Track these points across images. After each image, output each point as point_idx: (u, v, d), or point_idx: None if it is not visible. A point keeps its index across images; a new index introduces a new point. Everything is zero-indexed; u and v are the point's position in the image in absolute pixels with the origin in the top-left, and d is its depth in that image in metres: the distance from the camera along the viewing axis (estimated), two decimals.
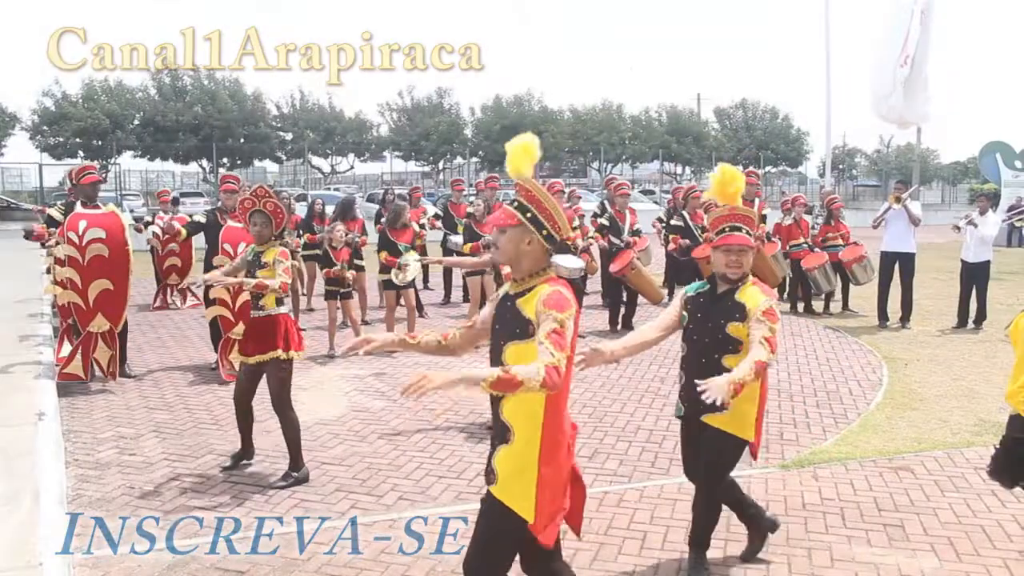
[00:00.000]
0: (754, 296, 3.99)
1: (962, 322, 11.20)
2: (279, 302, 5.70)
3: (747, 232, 4.09)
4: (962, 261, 11.35)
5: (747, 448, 4.23)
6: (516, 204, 3.20)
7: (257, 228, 5.72)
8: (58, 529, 4.57)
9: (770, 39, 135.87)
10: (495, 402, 3.17)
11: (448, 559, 4.48)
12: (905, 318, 11.30)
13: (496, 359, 3.17)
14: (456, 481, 5.64)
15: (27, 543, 4.33)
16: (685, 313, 4.17)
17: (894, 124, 13.55)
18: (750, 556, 4.46)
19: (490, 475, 3.20)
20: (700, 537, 4.33)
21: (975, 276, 11.17)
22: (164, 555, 4.52)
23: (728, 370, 3.79)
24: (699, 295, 4.17)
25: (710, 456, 4.17)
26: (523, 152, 3.18)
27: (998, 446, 3.73)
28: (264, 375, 5.69)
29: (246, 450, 5.99)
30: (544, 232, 3.15)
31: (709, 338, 4.05)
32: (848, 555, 4.52)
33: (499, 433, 3.18)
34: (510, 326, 3.15)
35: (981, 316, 11.21)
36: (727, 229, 4.10)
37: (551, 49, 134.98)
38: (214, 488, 5.51)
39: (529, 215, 3.15)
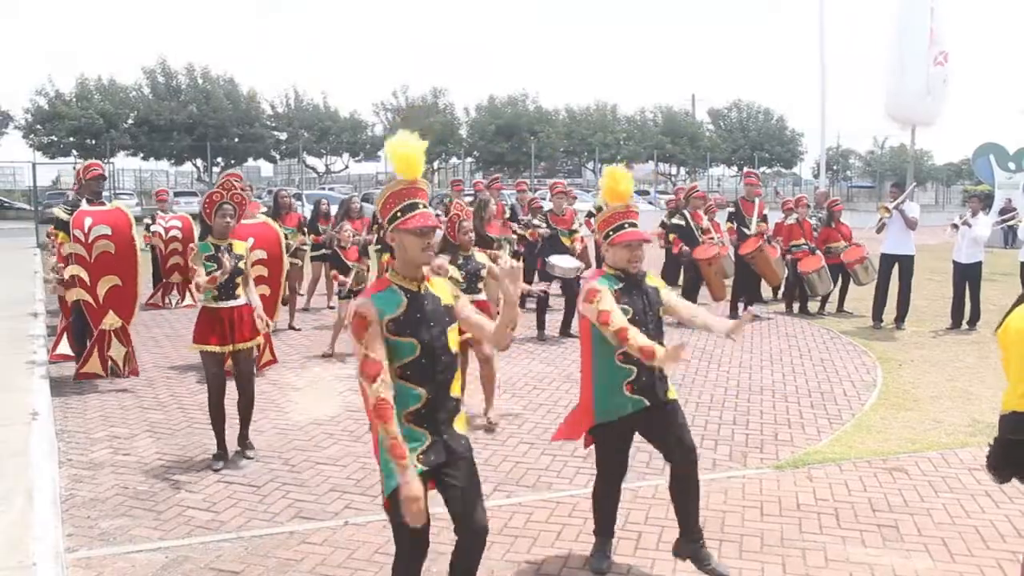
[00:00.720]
0: (655, 277, 4.42)
1: (956, 323, 11.23)
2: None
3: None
4: (954, 263, 11.38)
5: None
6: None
7: (227, 220, 5.88)
8: (51, 529, 4.55)
9: (765, 40, 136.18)
10: (445, 386, 3.44)
11: (442, 560, 4.47)
12: (900, 319, 11.32)
13: (441, 347, 3.39)
14: None
15: (20, 543, 4.32)
16: (621, 305, 4.16)
17: (914, 124, 13.38)
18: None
19: (466, 442, 3.53)
20: (696, 524, 4.32)
21: (968, 277, 11.19)
22: (158, 555, 4.51)
23: None
24: (623, 287, 4.22)
25: (681, 422, 4.29)
26: (413, 155, 3.33)
27: (993, 443, 3.74)
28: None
29: (225, 448, 6.10)
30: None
31: (654, 325, 4.23)
32: (842, 555, 4.52)
33: (456, 410, 3.52)
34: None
35: (975, 317, 11.23)
36: (626, 225, 4.24)
37: (545, 49, 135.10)
38: (208, 488, 5.49)
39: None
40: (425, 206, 3.35)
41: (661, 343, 4.10)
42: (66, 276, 7.91)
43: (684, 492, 4.29)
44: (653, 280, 4.38)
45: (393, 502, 3.26)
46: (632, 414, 4.20)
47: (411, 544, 3.41)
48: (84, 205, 7.90)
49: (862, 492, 5.42)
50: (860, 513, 5.10)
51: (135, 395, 7.79)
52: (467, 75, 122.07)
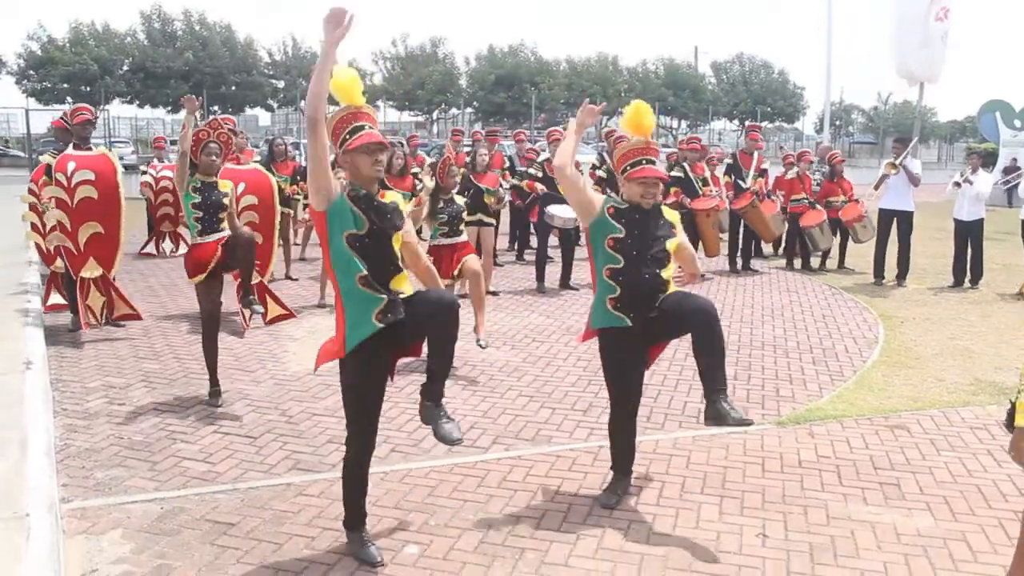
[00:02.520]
0: (671, 213, 4.48)
1: (958, 281, 11.16)
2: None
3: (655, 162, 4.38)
4: (955, 220, 11.29)
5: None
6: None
7: (211, 158, 6.05)
8: (46, 479, 4.51)
9: None
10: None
11: (440, 512, 4.44)
12: (901, 276, 11.25)
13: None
14: None
15: (14, 493, 4.27)
16: (613, 222, 4.31)
17: (921, 81, 13.13)
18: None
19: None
20: (719, 378, 4.22)
21: (969, 234, 11.11)
22: (153, 506, 4.47)
23: (665, 281, 4.29)
24: (627, 209, 4.34)
25: (685, 297, 4.27)
26: (350, 84, 3.66)
27: (1014, 400, 3.66)
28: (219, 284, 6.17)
29: (217, 384, 6.23)
30: None
31: (647, 251, 4.28)
32: (844, 513, 4.49)
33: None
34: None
35: (977, 275, 11.16)
36: (643, 162, 4.31)
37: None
38: (204, 439, 5.44)
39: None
40: (371, 127, 3.65)
41: (661, 274, 4.27)
42: (48, 222, 7.77)
43: (703, 347, 4.21)
44: (669, 214, 4.44)
45: (350, 363, 3.79)
46: (618, 330, 4.34)
47: (365, 417, 3.94)
48: (70, 149, 7.74)
49: (864, 449, 5.38)
50: (862, 470, 5.06)
51: (130, 344, 7.72)
52: (467, 24, 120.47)
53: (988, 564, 4.00)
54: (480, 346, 7.00)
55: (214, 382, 6.16)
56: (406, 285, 3.78)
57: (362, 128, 3.63)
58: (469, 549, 4.05)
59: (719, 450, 5.35)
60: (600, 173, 11.18)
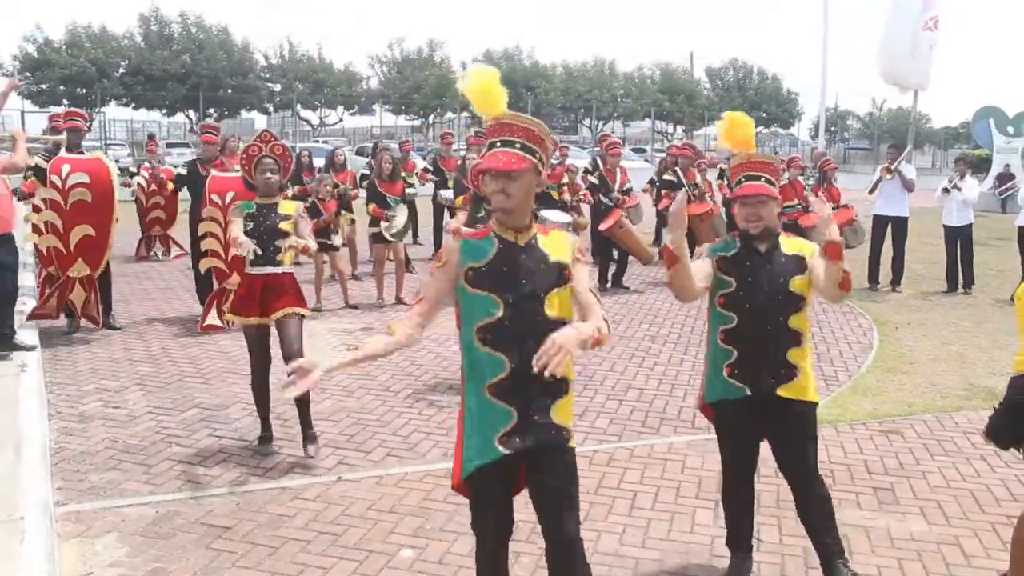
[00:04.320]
0: (803, 244, 3.70)
1: (952, 286, 11.20)
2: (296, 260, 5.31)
3: (770, 181, 3.65)
4: (944, 226, 11.37)
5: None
6: (519, 146, 2.85)
7: (266, 176, 5.18)
8: (40, 483, 4.50)
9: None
10: (782, 311, 3.24)
11: (435, 516, 4.45)
12: (896, 282, 11.29)
13: (534, 312, 2.84)
14: (445, 438, 5.58)
15: (9, 496, 4.27)
16: (722, 276, 3.65)
17: (904, 88, 13.17)
18: None
19: (560, 433, 2.92)
20: (836, 543, 3.70)
21: (959, 239, 11.18)
22: (148, 510, 4.47)
23: (795, 332, 3.57)
24: (736, 255, 3.66)
25: (799, 434, 3.67)
26: (487, 88, 2.99)
27: (998, 407, 3.67)
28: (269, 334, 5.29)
29: (270, 430, 5.44)
30: (543, 173, 2.94)
31: (770, 301, 3.58)
32: (838, 517, 4.47)
33: (553, 390, 2.88)
34: (547, 275, 2.88)
35: (969, 280, 11.22)
36: (743, 179, 3.69)
37: (543, 3, 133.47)
38: (199, 442, 5.44)
39: (537, 156, 2.87)
40: (506, 143, 2.89)
41: (788, 324, 3.57)
42: (39, 222, 7.80)
43: (810, 519, 3.73)
44: (795, 246, 3.67)
45: (470, 485, 2.96)
46: (737, 401, 3.68)
47: (493, 523, 3.02)
48: (63, 152, 7.75)
49: (858, 454, 5.40)
50: (856, 475, 5.08)
51: (125, 348, 7.71)
52: (464, 28, 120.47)
53: (981, 568, 4.02)
54: None
55: (265, 427, 5.39)
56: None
57: (493, 146, 2.93)
58: (464, 553, 4.06)
59: (714, 455, 5.33)
60: (592, 179, 11.21)
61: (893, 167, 11.00)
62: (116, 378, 6.77)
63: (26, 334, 7.45)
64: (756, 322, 3.60)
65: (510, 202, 2.85)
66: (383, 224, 9.48)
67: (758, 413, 3.68)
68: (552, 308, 2.86)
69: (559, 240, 2.97)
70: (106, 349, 7.63)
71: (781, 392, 3.60)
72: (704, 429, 5.84)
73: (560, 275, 2.90)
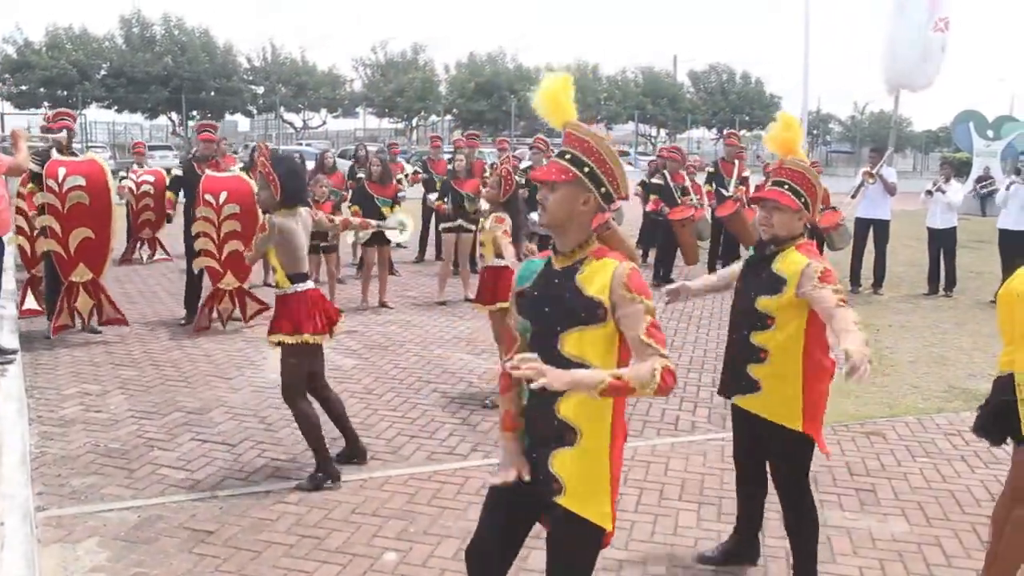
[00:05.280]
0: (796, 261, 3.48)
1: (933, 289, 11.29)
2: (291, 279, 4.82)
3: (795, 191, 3.57)
4: (928, 229, 11.46)
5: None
6: (569, 157, 2.65)
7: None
8: (21, 487, 4.46)
9: (748, 2, 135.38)
10: (543, 402, 2.63)
11: (419, 519, 4.44)
12: (877, 284, 11.37)
13: (547, 346, 2.62)
14: (428, 441, 5.58)
15: None
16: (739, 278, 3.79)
17: (917, 91, 13.16)
18: None
19: (552, 484, 2.65)
20: (805, 568, 3.75)
21: (942, 243, 11.28)
22: (130, 515, 4.44)
23: (757, 349, 3.55)
24: (747, 262, 3.78)
25: (772, 453, 3.74)
26: (557, 95, 2.73)
27: (984, 406, 3.72)
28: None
29: (352, 445, 5.18)
30: (603, 190, 2.65)
31: (740, 311, 3.68)
32: (820, 519, 4.47)
33: (554, 434, 2.65)
34: (569, 308, 2.62)
35: (951, 283, 11.31)
36: (769, 183, 3.72)
37: (527, 7, 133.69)
38: (182, 446, 5.41)
39: (587, 170, 2.63)
40: (561, 154, 2.70)
41: (750, 339, 3.57)
42: (38, 226, 7.75)
43: (788, 531, 3.84)
44: (787, 265, 3.50)
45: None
46: (735, 407, 3.81)
47: (479, 535, 2.87)
48: (55, 155, 7.69)
49: (840, 456, 5.43)
50: (838, 477, 5.11)
51: (107, 351, 7.66)
52: (447, 32, 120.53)
53: (962, 569, 4.05)
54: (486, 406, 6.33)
55: (323, 458, 4.88)
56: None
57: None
58: (448, 556, 4.05)
59: (697, 457, 5.38)
60: None
61: (875, 171, 11.07)
62: (98, 382, 6.73)
63: (6, 339, 7.39)
64: (730, 328, 3.80)
65: (546, 216, 2.68)
66: (391, 231, 9.55)
67: (743, 416, 3.78)
68: (569, 347, 2.59)
69: (603, 271, 2.62)
70: (87, 353, 7.58)
71: (737, 400, 3.75)
72: (687, 431, 5.88)
73: (591, 313, 2.59)
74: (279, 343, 4.82)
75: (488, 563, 2.84)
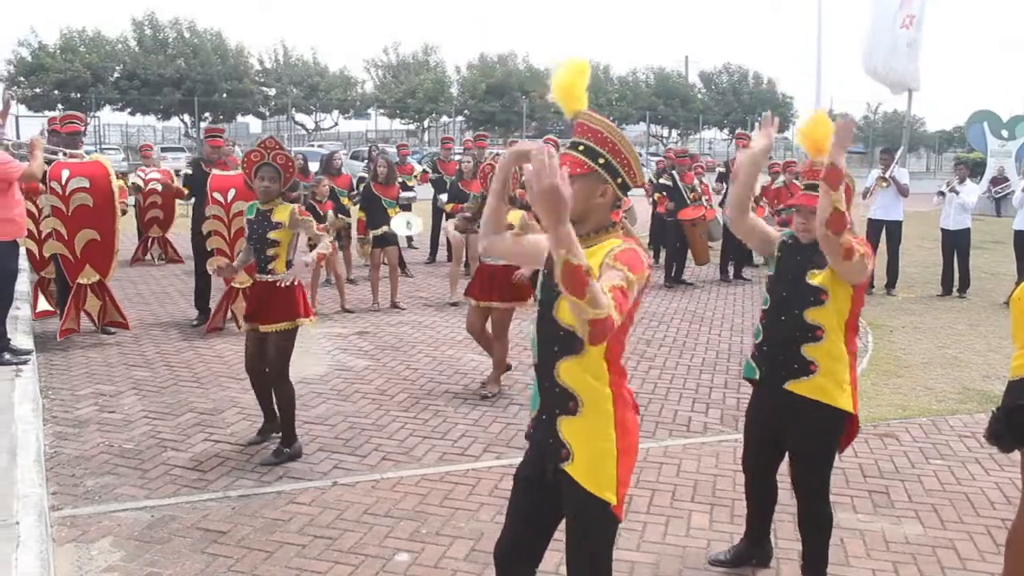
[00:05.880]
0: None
1: (946, 290, 11.24)
2: (288, 266, 5.25)
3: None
4: (942, 230, 11.42)
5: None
6: (583, 148, 2.59)
7: (265, 184, 5.17)
8: (36, 487, 4.49)
9: (760, 2, 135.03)
10: (546, 366, 2.66)
11: (431, 520, 4.44)
12: (891, 285, 11.32)
13: (547, 315, 2.65)
14: (440, 442, 5.59)
15: (4, 501, 4.25)
16: (774, 256, 3.73)
17: (888, 85, 13.14)
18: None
19: (560, 450, 2.65)
20: (816, 566, 3.77)
21: (956, 244, 11.22)
22: (143, 514, 4.46)
23: (812, 327, 3.50)
24: (785, 242, 3.74)
25: (806, 441, 3.66)
26: (572, 82, 2.59)
27: (996, 411, 3.68)
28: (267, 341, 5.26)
29: (271, 421, 5.53)
30: (619, 180, 2.60)
31: (789, 290, 3.62)
32: (833, 521, 4.50)
33: (556, 401, 2.66)
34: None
35: (964, 284, 11.25)
36: (803, 187, 3.72)
37: (538, 7, 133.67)
38: (195, 447, 5.43)
39: (602, 161, 2.57)
40: (573, 144, 2.63)
41: (804, 317, 3.53)
42: (43, 230, 7.80)
43: (802, 534, 3.85)
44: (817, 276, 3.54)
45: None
46: (755, 383, 3.81)
47: (505, 534, 2.89)
48: (61, 157, 7.74)
49: (853, 458, 5.40)
50: (851, 479, 5.09)
51: (120, 352, 7.70)
52: (458, 32, 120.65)
53: (976, 572, 4.03)
54: (484, 395, 6.58)
55: (270, 416, 5.51)
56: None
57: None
58: (460, 557, 4.06)
59: (709, 459, 5.37)
60: None
61: (887, 175, 11.02)
62: (111, 382, 6.76)
63: (21, 340, 7.43)
64: (777, 309, 3.65)
65: None
66: (399, 224, 9.70)
67: (773, 405, 3.70)
68: (563, 314, 2.57)
69: (604, 247, 2.57)
70: (101, 353, 7.62)
71: (790, 386, 3.59)
72: (700, 432, 5.87)
73: None
74: (292, 327, 5.21)
75: (517, 557, 2.85)
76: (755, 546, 4.06)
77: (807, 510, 3.74)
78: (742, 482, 4.95)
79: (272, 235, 5.15)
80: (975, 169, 24.67)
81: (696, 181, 11.81)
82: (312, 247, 5.62)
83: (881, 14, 12.61)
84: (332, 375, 7.09)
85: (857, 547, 4.25)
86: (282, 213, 5.20)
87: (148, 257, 12.68)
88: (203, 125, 43.57)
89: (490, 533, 4.30)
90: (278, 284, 5.12)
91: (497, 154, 12.52)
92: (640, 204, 12.41)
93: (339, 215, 10.15)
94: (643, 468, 5.16)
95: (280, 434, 5.34)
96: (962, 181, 11.31)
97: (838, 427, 3.63)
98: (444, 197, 11.60)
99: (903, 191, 11.10)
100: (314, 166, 12.90)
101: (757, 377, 3.76)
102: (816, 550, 3.75)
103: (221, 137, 9.19)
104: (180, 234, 11.29)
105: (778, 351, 3.63)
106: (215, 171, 8.43)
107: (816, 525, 3.74)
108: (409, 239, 14.14)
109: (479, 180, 6.70)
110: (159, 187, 11.65)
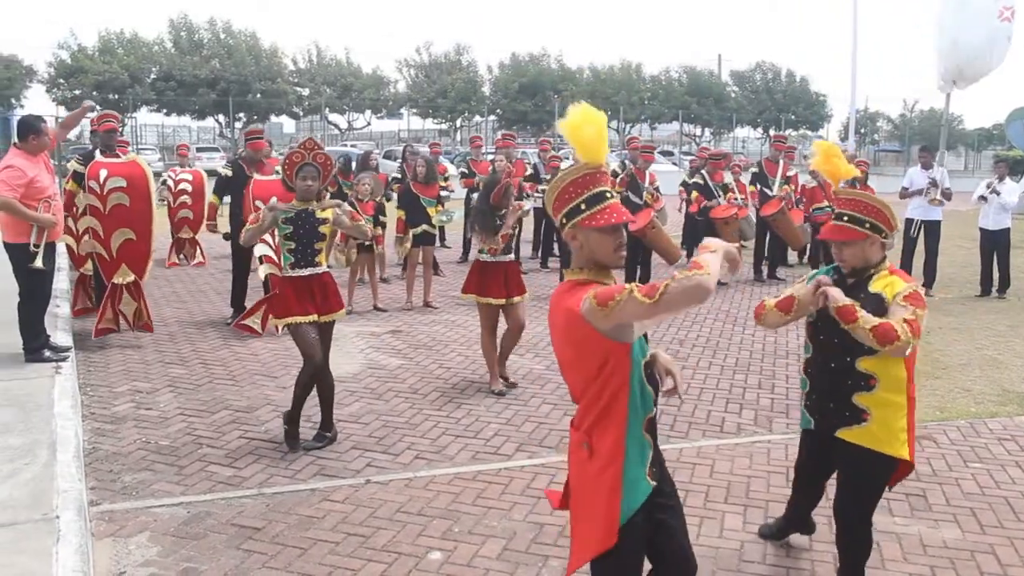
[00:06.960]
0: (894, 283, 3.46)
1: (985, 291, 11.06)
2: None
3: (856, 219, 3.50)
4: (981, 229, 11.21)
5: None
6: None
7: (308, 183, 5.35)
8: (75, 482, 4.56)
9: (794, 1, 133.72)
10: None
11: (464, 519, 4.45)
12: (928, 285, 11.15)
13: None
14: (473, 441, 5.60)
15: (44, 495, 4.33)
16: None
17: (967, 80, 12.84)
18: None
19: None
20: None
21: (996, 244, 11.03)
22: (179, 510, 4.52)
23: (865, 375, 3.46)
24: (833, 275, 3.65)
25: (854, 481, 3.63)
26: (596, 135, 2.67)
27: None
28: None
29: (297, 425, 5.50)
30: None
31: (839, 337, 3.45)
32: (872, 542, 4.45)
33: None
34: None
35: (1004, 284, 11.06)
36: (834, 217, 3.62)
37: (570, 6, 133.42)
38: (230, 444, 5.49)
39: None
40: (612, 195, 2.68)
41: (855, 365, 3.47)
42: (80, 228, 7.89)
43: (840, 556, 3.80)
44: (882, 284, 3.51)
45: (623, 534, 2.69)
46: (807, 431, 3.84)
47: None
48: (98, 156, 7.84)
49: None
50: None
51: (157, 350, 7.80)
52: (490, 32, 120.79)
53: None
54: (494, 392, 6.65)
55: (293, 424, 5.46)
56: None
57: (603, 198, 2.65)
58: (492, 556, 4.06)
59: (743, 459, 5.33)
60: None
61: (937, 196, 10.87)
62: (148, 380, 6.85)
63: (60, 338, 7.55)
64: (824, 357, 3.59)
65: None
66: (442, 218, 9.86)
67: (824, 448, 3.71)
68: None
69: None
70: (138, 352, 7.72)
71: (841, 434, 3.56)
72: (733, 433, 5.82)
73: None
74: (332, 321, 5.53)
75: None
76: (797, 522, 4.21)
77: (848, 536, 3.69)
78: (776, 483, 4.94)
79: (323, 229, 5.43)
80: (1015, 167, 24.23)
81: (731, 179, 11.73)
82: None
83: (972, 12, 12.35)
84: (365, 374, 7.13)
85: (894, 551, 4.19)
86: (326, 212, 5.47)
87: (181, 258, 12.78)
88: (238, 125, 44.00)
89: (522, 532, 4.31)
90: (324, 273, 5.47)
91: (558, 155, 12.78)
92: (670, 204, 12.36)
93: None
94: (676, 469, 5.13)
95: (320, 425, 5.56)
96: (1002, 179, 11.12)
97: (889, 471, 3.62)
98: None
99: (946, 195, 11.01)
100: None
101: (812, 428, 3.75)
102: (853, 567, 3.71)
103: (262, 139, 9.23)
104: (213, 237, 11.33)
105: (827, 399, 3.60)
106: (256, 176, 8.48)
107: (856, 548, 3.69)
108: (442, 238, 14.17)
109: (516, 178, 6.75)
110: (188, 187, 11.75)
